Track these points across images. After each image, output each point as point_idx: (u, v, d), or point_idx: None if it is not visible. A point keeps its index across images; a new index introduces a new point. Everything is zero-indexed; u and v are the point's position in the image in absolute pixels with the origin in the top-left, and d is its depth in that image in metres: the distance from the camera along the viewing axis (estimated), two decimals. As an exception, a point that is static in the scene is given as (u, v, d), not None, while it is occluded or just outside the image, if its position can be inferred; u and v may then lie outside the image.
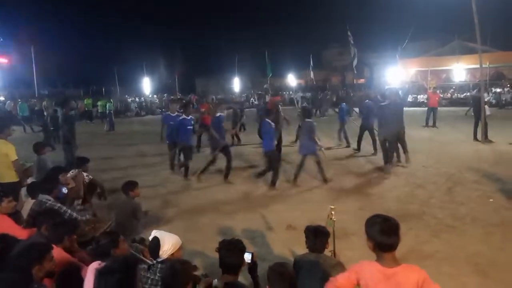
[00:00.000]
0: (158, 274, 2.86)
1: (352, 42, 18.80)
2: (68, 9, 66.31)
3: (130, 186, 5.49)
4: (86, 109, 27.37)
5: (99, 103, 25.72)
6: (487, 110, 11.91)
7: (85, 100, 28.55)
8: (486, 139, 11.75)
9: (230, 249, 2.77)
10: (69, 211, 4.68)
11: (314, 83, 38.68)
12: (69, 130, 8.92)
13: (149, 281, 2.88)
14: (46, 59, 35.26)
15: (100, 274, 2.16)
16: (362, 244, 4.76)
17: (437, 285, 2.14)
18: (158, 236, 3.14)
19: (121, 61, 43.51)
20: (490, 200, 6.49)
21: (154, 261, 3.03)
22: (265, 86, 33.70)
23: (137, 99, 36.08)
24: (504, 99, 25.35)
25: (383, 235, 2.14)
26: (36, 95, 30.16)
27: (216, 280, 2.76)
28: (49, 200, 4.69)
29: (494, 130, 12.42)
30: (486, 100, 12.96)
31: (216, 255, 2.81)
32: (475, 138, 12.05)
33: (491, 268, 4.20)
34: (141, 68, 42.72)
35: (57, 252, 3.23)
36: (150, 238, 3.20)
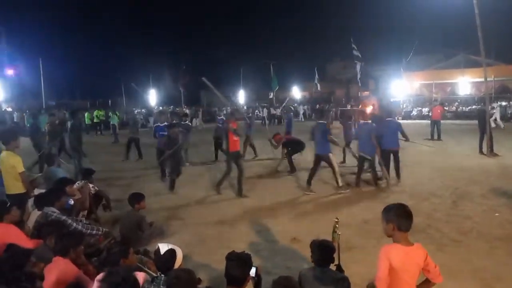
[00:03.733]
0: (161, 286, 2.87)
1: (358, 54, 18.89)
2: (75, 22, 67.26)
3: (137, 198, 5.55)
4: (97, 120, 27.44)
5: (95, 113, 26.75)
6: (499, 122, 11.89)
7: (96, 112, 28.70)
8: (491, 152, 11.69)
9: (238, 262, 2.78)
10: (74, 224, 4.71)
11: (320, 92, 38.81)
12: (76, 138, 9.42)
13: (154, 294, 2.89)
14: (53, 70, 35.77)
15: (99, 282, 2.18)
16: (367, 257, 4.78)
17: (432, 261, 2.61)
18: (165, 249, 3.16)
19: (128, 73, 43.91)
20: (496, 214, 6.44)
21: (158, 273, 3.04)
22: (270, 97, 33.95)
23: (143, 111, 36.31)
24: (510, 112, 25.27)
25: (404, 217, 2.56)
26: (44, 107, 30.46)
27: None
28: (54, 212, 4.73)
29: (499, 144, 12.38)
30: (492, 112, 12.94)
31: (221, 268, 2.83)
32: (481, 152, 11.99)
33: (497, 283, 4.17)
34: (147, 80, 43.13)
35: (64, 264, 3.26)
36: (161, 250, 3.19)
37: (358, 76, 27.03)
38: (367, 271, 4.45)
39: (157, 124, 11.19)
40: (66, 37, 58.74)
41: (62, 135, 11.18)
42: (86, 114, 26.52)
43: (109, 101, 42.32)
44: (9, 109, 29.94)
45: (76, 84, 49.82)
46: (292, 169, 10.16)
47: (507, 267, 4.54)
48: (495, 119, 18.75)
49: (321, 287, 3.06)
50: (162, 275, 2.99)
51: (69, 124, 11.33)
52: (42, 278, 2.95)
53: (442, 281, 2.72)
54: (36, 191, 5.81)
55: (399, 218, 2.56)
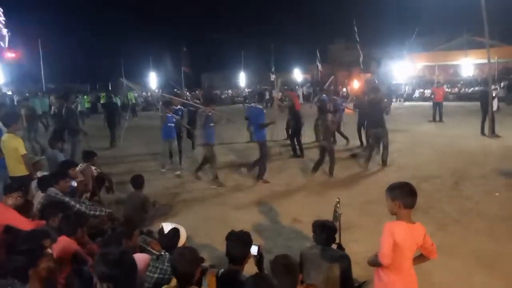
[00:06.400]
0: (166, 263, 2.91)
1: (357, 39, 18.65)
2: (75, 4, 66.19)
3: (139, 179, 5.61)
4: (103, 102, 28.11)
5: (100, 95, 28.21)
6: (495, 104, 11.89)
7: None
8: (493, 133, 11.68)
9: (237, 241, 2.84)
10: (77, 205, 4.75)
11: (319, 79, 38.43)
12: (75, 122, 9.67)
13: (158, 271, 2.94)
14: (53, 53, 35.51)
15: (96, 261, 2.20)
16: (367, 236, 4.83)
17: (429, 239, 2.70)
18: (169, 227, 3.20)
19: (128, 56, 43.61)
20: (496, 194, 6.48)
21: (163, 252, 3.09)
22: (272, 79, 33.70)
23: (144, 94, 36.17)
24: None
25: (409, 195, 2.63)
26: (44, 90, 30.37)
27: (222, 270, 2.82)
28: (57, 194, 4.77)
29: (501, 125, 12.34)
30: (495, 94, 12.83)
31: (223, 247, 2.87)
32: (482, 133, 11.99)
33: (497, 262, 4.22)
34: (147, 63, 42.86)
35: (65, 242, 3.31)
36: (165, 229, 3.23)
37: (361, 58, 26.79)
38: (367, 250, 4.49)
39: None
40: (65, 19, 58.09)
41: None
42: (85, 97, 26.32)
43: (109, 84, 42.06)
44: (9, 93, 29.83)
45: (76, 68, 49.48)
46: (294, 152, 10.16)
47: (506, 246, 4.59)
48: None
49: (322, 264, 3.11)
50: (167, 253, 3.04)
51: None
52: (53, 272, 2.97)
53: (437, 257, 2.78)
54: (39, 174, 5.86)
55: (404, 196, 2.61)
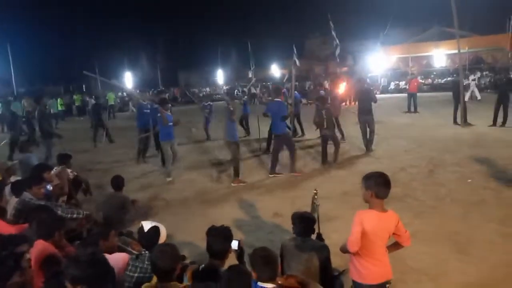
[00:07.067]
0: (146, 262, 2.90)
1: (334, 35, 18.78)
2: (45, 5, 64.10)
3: (119, 180, 5.55)
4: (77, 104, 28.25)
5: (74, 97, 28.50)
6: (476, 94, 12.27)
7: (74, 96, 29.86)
8: (465, 122, 12.03)
9: (217, 236, 2.86)
10: (53, 209, 4.65)
11: (298, 69, 38.52)
12: (49, 124, 9.73)
13: (138, 270, 2.92)
14: (23, 56, 34.50)
15: (66, 265, 2.16)
16: (347, 227, 4.90)
17: (403, 227, 2.75)
18: (148, 226, 3.18)
19: (102, 56, 42.47)
20: (469, 180, 6.70)
21: (143, 251, 3.07)
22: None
23: (119, 94, 35.56)
24: (483, 82, 25.77)
25: (383, 186, 2.67)
26: (15, 94, 29.50)
27: (202, 265, 2.83)
28: (32, 199, 4.67)
29: (473, 114, 12.72)
30: (472, 83, 13.25)
31: (205, 245, 2.89)
32: (455, 122, 12.32)
33: (470, 246, 4.38)
34: (122, 62, 42.13)
35: (42, 245, 3.24)
36: (145, 228, 3.20)
37: (337, 53, 27.08)
38: (345, 239, 4.60)
39: None
40: (35, 22, 56.14)
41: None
42: (58, 100, 25.71)
43: (83, 86, 41.15)
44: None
45: (48, 70, 48.04)
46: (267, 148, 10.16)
47: (479, 230, 4.76)
48: (472, 91, 18.95)
49: (301, 255, 3.16)
50: (147, 252, 3.02)
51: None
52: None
53: (410, 244, 2.85)
54: (13, 179, 5.71)
55: (378, 186, 2.65)
